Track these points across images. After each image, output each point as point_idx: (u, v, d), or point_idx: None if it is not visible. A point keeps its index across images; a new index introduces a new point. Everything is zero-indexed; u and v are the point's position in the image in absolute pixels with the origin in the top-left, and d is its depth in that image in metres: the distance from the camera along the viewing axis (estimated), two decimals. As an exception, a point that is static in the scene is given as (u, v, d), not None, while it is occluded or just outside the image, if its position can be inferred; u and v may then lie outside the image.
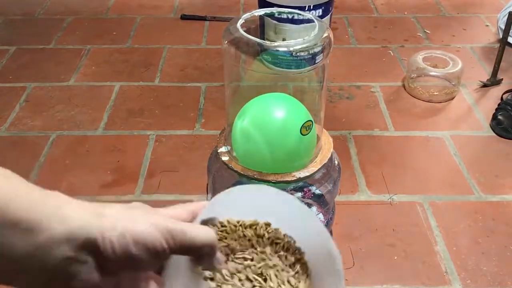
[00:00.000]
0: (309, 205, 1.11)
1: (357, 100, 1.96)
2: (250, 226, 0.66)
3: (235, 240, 0.65)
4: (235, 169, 0.98)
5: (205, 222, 0.62)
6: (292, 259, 0.66)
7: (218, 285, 0.60)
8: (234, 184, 1.13)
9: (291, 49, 0.91)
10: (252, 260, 0.64)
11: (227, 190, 0.64)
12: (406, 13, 2.58)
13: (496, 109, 1.83)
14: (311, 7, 1.94)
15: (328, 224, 1.14)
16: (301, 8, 1.89)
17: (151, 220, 0.55)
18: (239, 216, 0.66)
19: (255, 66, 1.00)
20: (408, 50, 2.25)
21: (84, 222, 0.52)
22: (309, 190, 1.10)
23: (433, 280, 1.30)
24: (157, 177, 1.60)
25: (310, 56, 0.97)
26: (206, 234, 0.58)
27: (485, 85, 2.01)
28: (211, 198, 1.14)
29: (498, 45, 2.02)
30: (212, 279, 0.60)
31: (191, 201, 0.63)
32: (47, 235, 0.49)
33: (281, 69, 1.83)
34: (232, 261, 0.64)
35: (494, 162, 1.67)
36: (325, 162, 1.01)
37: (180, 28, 2.40)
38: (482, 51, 2.26)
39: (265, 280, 0.62)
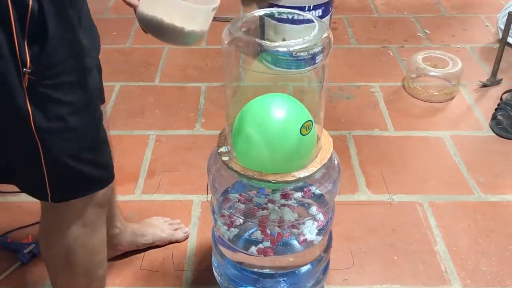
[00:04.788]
0: (309, 205, 1.12)
1: (357, 100, 1.96)
2: None
3: None
4: (235, 169, 0.98)
5: None
6: None
7: None
8: (234, 184, 1.13)
9: (291, 49, 0.91)
10: None
11: None
12: (406, 13, 2.58)
13: (496, 109, 1.83)
14: (311, 7, 1.94)
15: (328, 224, 1.14)
16: (301, 9, 1.89)
17: None
18: None
19: (255, 66, 1.01)
20: (408, 50, 2.25)
21: None
22: (309, 190, 1.11)
23: (433, 280, 1.31)
24: (157, 177, 1.60)
25: (310, 56, 0.97)
26: None
27: (484, 85, 2.01)
28: (211, 198, 1.14)
29: (498, 45, 2.02)
30: None
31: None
32: None
33: (281, 69, 1.83)
34: None
35: (493, 162, 1.67)
36: (325, 162, 1.01)
37: (180, 28, 2.40)
38: (482, 51, 2.26)
39: None
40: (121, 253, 1.33)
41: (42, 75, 0.77)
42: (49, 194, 0.89)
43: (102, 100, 1.08)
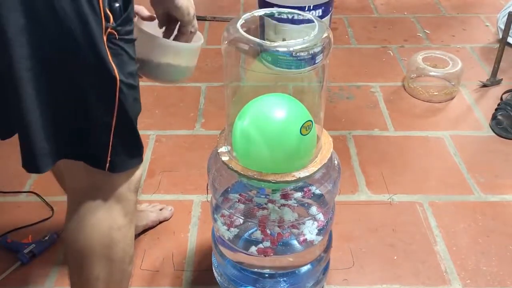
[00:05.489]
0: (309, 205, 1.12)
1: (357, 100, 1.96)
2: None
3: None
4: (235, 169, 0.98)
5: None
6: None
7: None
8: (234, 184, 1.13)
9: (291, 49, 0.91)
10: None
11: None
12: (406, 13, 2.58)
13: (496, 109, 1.83)
14: (311, 7, 1.95)
15: (328, 224, 1.14)
16: (301, 8, 1.89)
17: None
18: None
19: (255, 66, 1.01)
20: (408, 50, 2.25)
21: None
22: (309, 190, 1.11)
23: (433, 280, 1.31)
24: (157, 177, 1.60)
25: (310, 56, 0.97)
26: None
27: (484, 85, 2.01)
28: (211, 198, 1.14)
29: (498, 45, 2.02)
30: None
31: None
32: None
33: (281, 69, 1.83)
34: None
35: (494, 162, 1.67)
36: (325, 162, 1.01)
37: (180, 28, 2.40)
38: (482, 51, 2.26)
39: None
40: None
41: (121, 30, 0.76)
42: (108, 162, 0.85)
43: None
